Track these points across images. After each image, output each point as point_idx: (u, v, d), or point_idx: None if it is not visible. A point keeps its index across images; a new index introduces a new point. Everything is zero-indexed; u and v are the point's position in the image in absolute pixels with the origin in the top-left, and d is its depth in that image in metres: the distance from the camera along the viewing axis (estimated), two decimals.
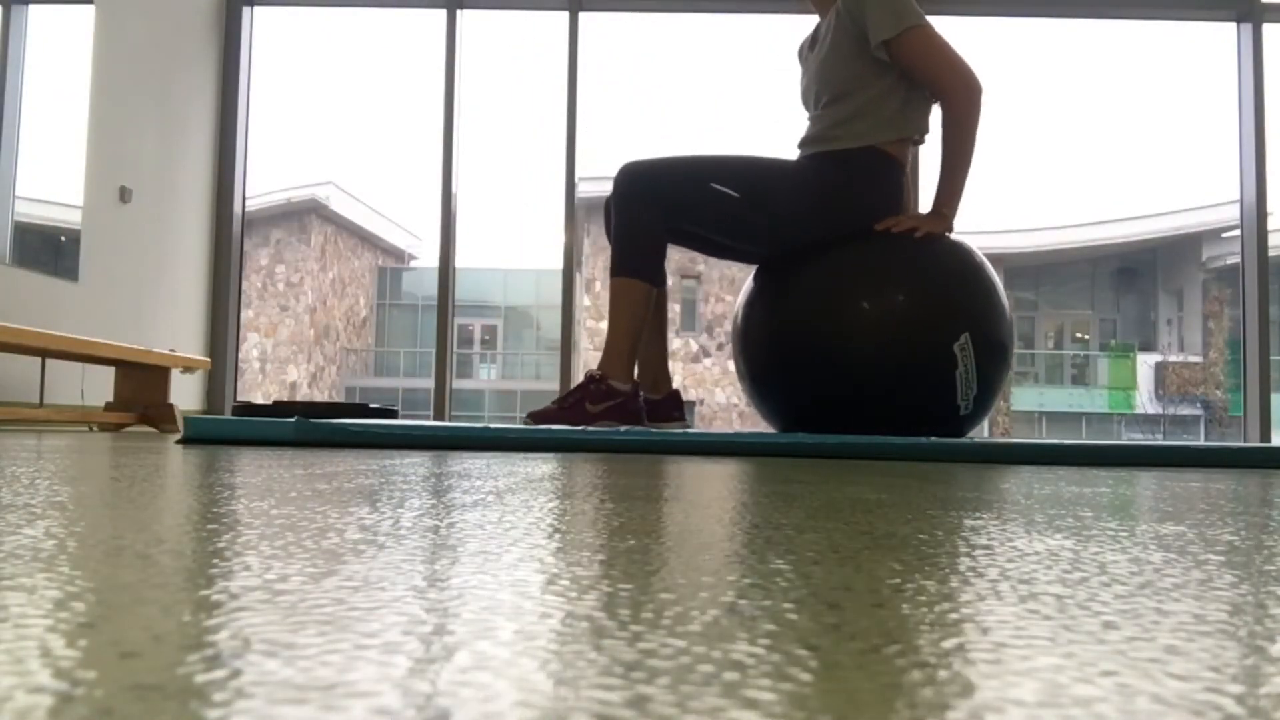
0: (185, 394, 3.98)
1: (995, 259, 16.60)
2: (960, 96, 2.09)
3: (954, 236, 2.20)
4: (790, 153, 2.33)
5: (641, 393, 2.17)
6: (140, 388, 3.21)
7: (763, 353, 2.23)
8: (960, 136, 2.10)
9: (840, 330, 2.09)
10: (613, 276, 2.13)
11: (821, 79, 2.19)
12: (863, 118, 2.15)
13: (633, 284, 2.11)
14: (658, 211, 2.11)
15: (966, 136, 2.10)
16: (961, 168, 2.11)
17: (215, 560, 0.38)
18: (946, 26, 4.28)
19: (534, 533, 0.49)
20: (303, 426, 1.73)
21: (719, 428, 13.42)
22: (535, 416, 2.10)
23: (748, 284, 2.34)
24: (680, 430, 1.93)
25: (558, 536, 0.48)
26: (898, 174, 2.18)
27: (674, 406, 2.31)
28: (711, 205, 2.12)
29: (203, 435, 1.73)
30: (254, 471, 0.93)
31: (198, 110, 4.12)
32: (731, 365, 14.97)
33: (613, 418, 2.08)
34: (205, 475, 0.87)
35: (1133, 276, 17.57)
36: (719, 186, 2.11)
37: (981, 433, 16.40)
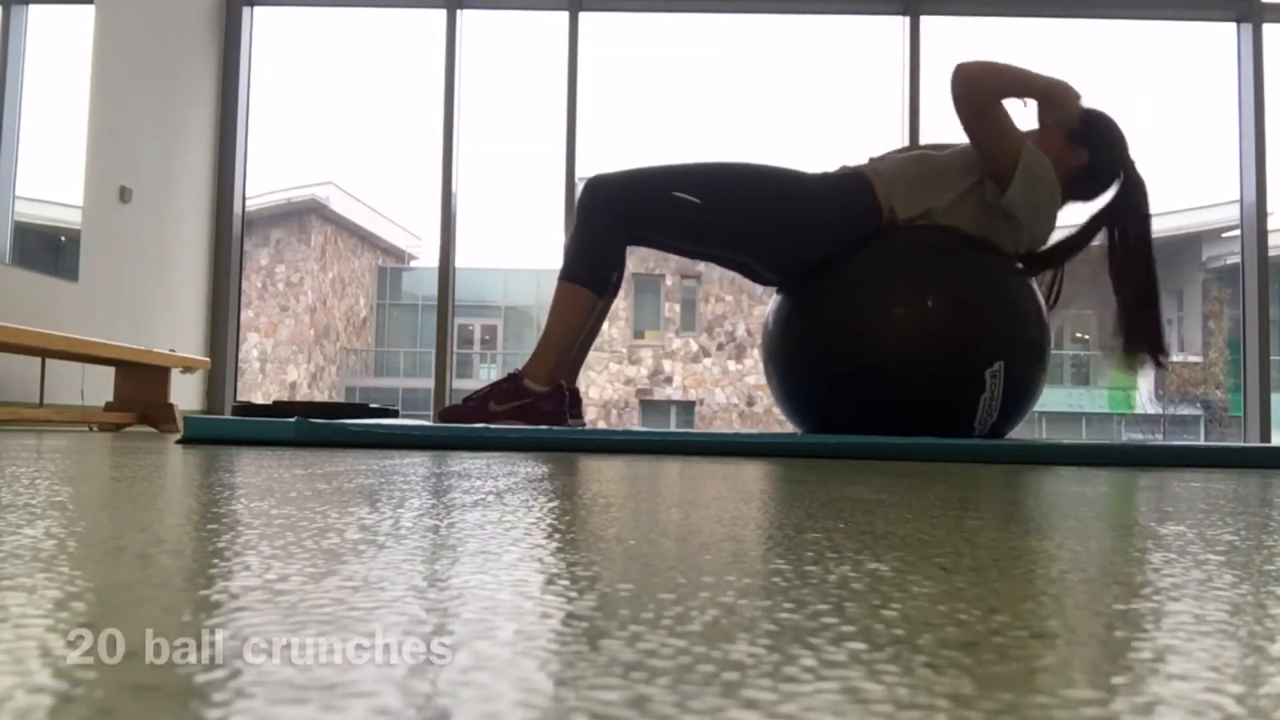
0: (185, 394, 3.98)
1: None
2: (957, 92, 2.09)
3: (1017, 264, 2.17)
4: (785, 152, 2.33)
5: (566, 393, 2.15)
6: (140, 388, 3.21)
7: (793, 348, 2.21)
8: (982, 116, 2.07)
9: (873, 334, 2.05)
10: (560, 279, 2.12)
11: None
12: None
13: (579, 291, 2.09)
14: (619, 222, 2.10)
15: (983, 110, 2.06)
16: (1021, 88, 2.08)
17: (215, 560, 0.38)
18: (948, 27, 4.29)
19: (534, 533, 0.49)
20: (303, 426, 1.73)
21: (719, 428, 13.42)
22: (446, 414, 2.10)
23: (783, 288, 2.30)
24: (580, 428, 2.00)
25: (558, 536, 0.48)
26: (870, 198, 2.14)
27: (573, 404, 2.27)
28: (673, 213, 2.09)
29: (203, 435, 1.73)
30: (254, 471, 0.93)
31: (198, 110, 4.12)
32: (732, 365, 14.98)
33: (516, 418, 2.07)
34: (205, 475, 0.87)
35: None
36: (681, 194, 2.09)
37: None
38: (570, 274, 2.10)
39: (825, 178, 2.18)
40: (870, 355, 2.05)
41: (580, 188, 2.14)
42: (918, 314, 2.04)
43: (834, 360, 2.11)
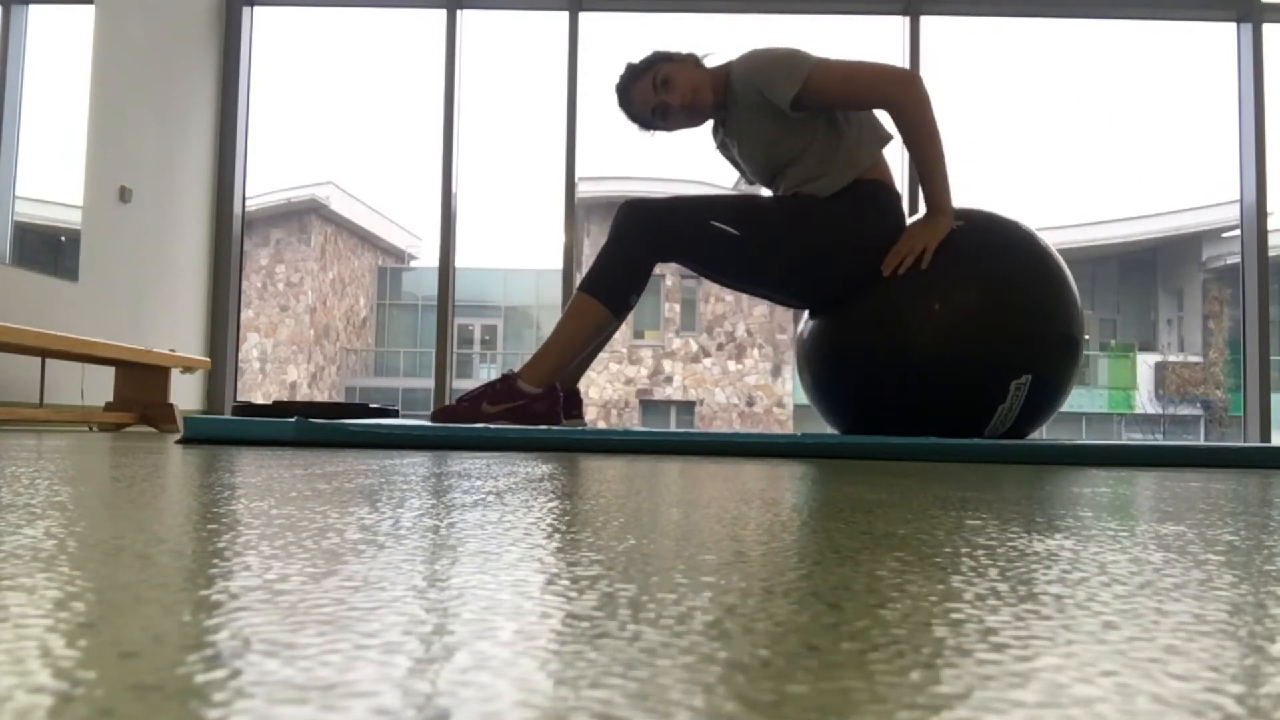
0: (185, 394, 3.98)
1: None
2: (897, 97, 2.02)
3: (1061, 267, 2.13)
4: None
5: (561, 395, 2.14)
6: (140, 388, 3.21)
7: (826, 356, 2.20)
8: (917, 129, 2.03)
9: (909, 332, 2.04)
10: (580, 290, 2.10)
11: (765, 163, 2.16)
12: (826, 169, 2.11)
13: (595, 306, 2.07)
14: (652, 246, 2.08)
15: (926, 128, 2.02)
16: (936, 160, 2.04)
17: (215, 560, 0.38)
18: (948, 27, 4.29)
19: (534, 533, 0.49)
20: (303, 426, 1.73)
21: (719, 428, 13.43)
22: (440, 415, 2.09)
23: None
24: (578, 427, 2.04)
25: (558, 536, 0.48)
26: (893, 196, 2.15)
27: (572, 405, 2.27)
28: (711, 243, 2.08)
29: (203, 435, 1.73)
30: (254, 471, 0.93)
31: (198, 110, 4.12)
32: (732, 365, 14.97)
33: (510, 419, 2.06)
34: (205, 475, 0.87)
35: (1133, 276, 17.58)
36: (719, 224, 2.07)
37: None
38: (591, 288, 2.09)
39: (859, 199, 2.13)
40: (904, 355, 2.05)
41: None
42: (954, 323, 2.03)
43: (866, 368, 2.10)
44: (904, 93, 2.02)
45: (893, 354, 2.06)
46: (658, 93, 2.13)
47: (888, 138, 2.17)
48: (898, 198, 2.16)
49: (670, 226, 2.08)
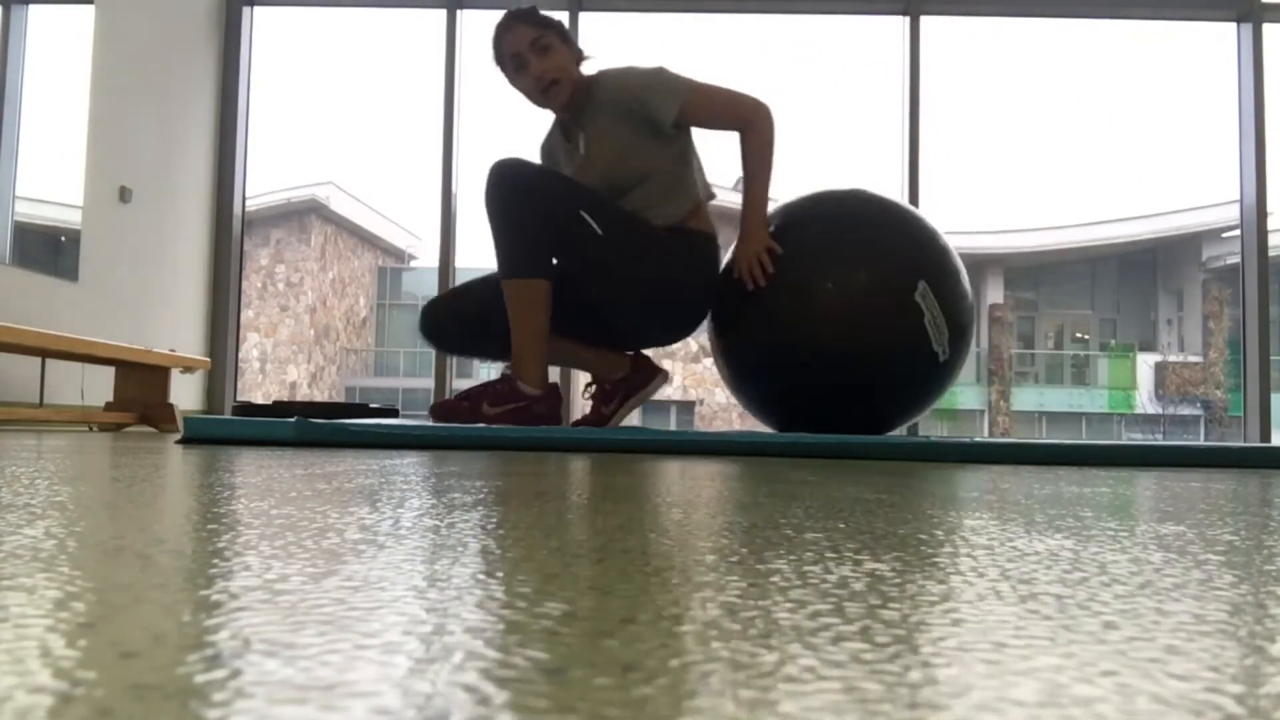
0: (185, 394, 3.98)
1: (995, 259, 16.61)
2: (758, 124, 2.13)
3: (878, 194, 2.26)
4: (785, 150, 2.34)
5: (564, 395, 2.16)
6: (140, 388, 3.21)
7: (744, 353, 2.24)
8: (764, 157, 2.14)
9: (801, 312, 2.11)
10: (504, 280, 2.06)
11: (615, 175, 2.15)
12: (666, 199, 2.16)
13: (528, 284, 2.04)
14: (538, 211, 2.02)
15: (769, 155, 2.15)
16: (767, 184, 2.16)
17: (215, 560, 0.38)
18: (948, 27, 4.29)
19: (533, 533, 0.49)
20: (303, 426, 1.73)
21: (719, 428, 13.41)
22: (438, 409, 2.08)
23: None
24: (660, 384, 2.24)
25: (557, 536, 0.48)
26: (717, 249, 2.22)
27: (648, 371, 2.33)
28: (573, 231, 2.03)
29: (203, 435, 1.73)
30: (254, 471, 0.93)
31: (198, 110, 4.12)
32: None
33: (510, 420, 2.05)
34: (205, 475, 0.87)
35: (1132, 276, 17.58)
36: (587, 216, 2.04)
37: (981, 432, 16.20)
38: (512, 270, 2.05)
39: (693, 242, 2.18)
40: (811, 333, 2.13)
41: (487, 175, 2.06)
42: (835, 278, 2.11)
43: (781, 353, 2.15)
44: (763, 119, 2.15)
45: (806, 330, 2.12)
46: (530, 50, 2.12)
47: (713, 195, 2.28)
48: (717, 248, 2.24)
49: (545, 196, 2.02)
